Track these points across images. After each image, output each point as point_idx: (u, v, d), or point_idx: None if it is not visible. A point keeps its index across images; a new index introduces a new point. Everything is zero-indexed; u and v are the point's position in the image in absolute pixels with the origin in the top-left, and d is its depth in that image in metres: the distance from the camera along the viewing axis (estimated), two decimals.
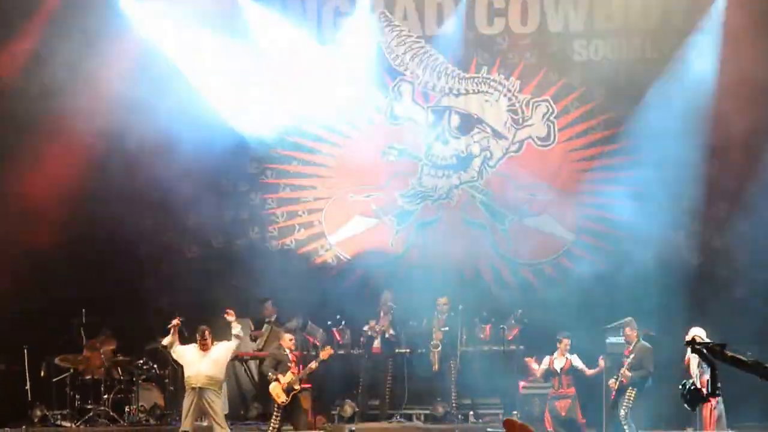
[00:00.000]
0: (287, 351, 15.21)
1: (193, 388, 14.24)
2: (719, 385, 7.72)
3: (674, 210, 17.12)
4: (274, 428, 15.01)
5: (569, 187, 17.74)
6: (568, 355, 15.35)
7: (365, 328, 16.45)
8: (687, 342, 7.64)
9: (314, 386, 16.05)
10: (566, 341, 15.29)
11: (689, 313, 15.31)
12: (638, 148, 17.32)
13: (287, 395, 14.93)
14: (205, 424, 14.96)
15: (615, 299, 16.63)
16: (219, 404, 14.38)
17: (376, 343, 16.40)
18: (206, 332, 14.42)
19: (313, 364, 15.09)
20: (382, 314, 16.50)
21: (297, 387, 14.97)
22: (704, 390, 7.79)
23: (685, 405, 7.69)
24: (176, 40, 17.33)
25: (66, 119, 16.71)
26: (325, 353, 15.23)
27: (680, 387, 7.76)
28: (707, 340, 7.98)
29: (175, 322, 14.34)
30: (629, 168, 17.41)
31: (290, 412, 15.05)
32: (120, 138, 16.94)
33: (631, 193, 17.30)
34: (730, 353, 7.75)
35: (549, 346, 15.80)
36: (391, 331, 16.38)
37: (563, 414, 15.27)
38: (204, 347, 14.35)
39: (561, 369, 15.31)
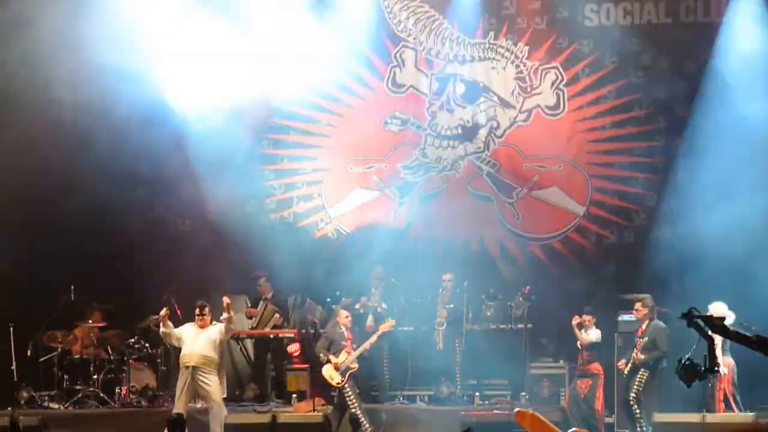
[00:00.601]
0: (343, 329, 14.84)
1: (187, 367, 13.93)
2: (718, 361, 7.59)
3: (689, 181, 16.58)
4: (354, 405, 14.64)
5: (580, 158, 17.34)
6: (591, 330, 14.95)
7: (356, 305, 16.09)
8: (682, 314, 7.35)
9: (312, 367, 15.67)
10: (588, 317, 14.89)
11: (708, 289, 14.79)
12: (652, 117, 16.92)
13: (343, 376, 14.61)
14: (199, 405, 14.53)
15: (627, 275, 16.31)
16: (215, 385, 13.97)
17: (369, 321, 16.06)
18: (204, 308, 14.10)
19: (373, 338, 14.81)
20: (373, 290, 16.18)
21: (354, 366, 14.67)
22: (701, 366, 7.51)
23: (680, 381, 7.49)
24: (166, 8, 16.69)
25: (50, 89, 16.17)
26: (386, 325, 14.93)
27: (677, 362, 7.57)
28: (712, 314, 7.55)
29: (162, 313, 14.12)
30: (643, 138, 17.04)
31: (351, 392, 14.70)
32: (108, 108, 16.43)
33: (644, 164, 16.93)
34: (732, 328, 7.46)
35: (558, 324, 15.47)
36: (384, 306, 16.02)
37: (581, 396, 14.85)
38: (202, 324, 14.03)
39: (581, 345, 14.93)
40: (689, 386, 7.58)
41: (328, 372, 14.71)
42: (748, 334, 7.61)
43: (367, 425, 14.59)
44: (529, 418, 11.89)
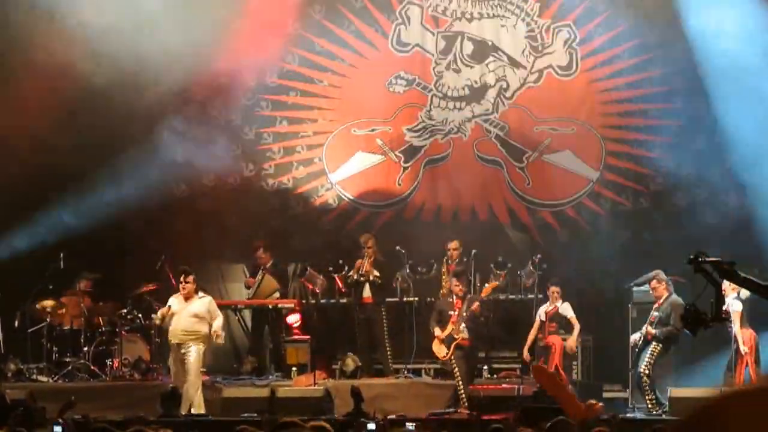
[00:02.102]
0: (453, 298, 14.40)
1: (174, 344, 13.93)
2: (725, 308, 7.16)
3: (709, 145, 16.02)
4: (457, 381, 14.17)
5: (593, 120, 16.86)
6: (558, 303, 14.80)
7: (350, 272, 15.65)
8: (689, 259, 7.11)
9: (313, 338, 15.39)
10: (554, 288, 14.76)
11: (727, 258, 14.16)
12: (669, 77, 16.34)
13: (448, 348, 14.13)
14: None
15: (643, 243, 15.95)
16: (195, 357, 13.79)
17: (366, 292, 15.62)
18: (189, 275, 13.86)
19: (475, 305, 14.32)
20: (365, 258, 15.67)
21: (457, 336, 14.13)
22: (707, 314, 7.21)
23: (686, 330, 7.26)
24: None
25: (29, 53, 15.73)
26: (487, 290, 14.51)
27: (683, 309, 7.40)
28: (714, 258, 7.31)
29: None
30: (660, 99, 16.50)
31: (458, 365, 14.12)
32: (96, 69, 15.91)
33: (661, 127, 16.40)
34: (742, 274, 7.27)
35: (569, 294, 15.06)
36: (376, 273, 15.55)
37: None
38: (186, 294, 13.85)
39: (546, 314, 14.76)
40: (694, 335, 7.27)
41: (435, 346, 14.28)
42: (757, 280, 7.25)
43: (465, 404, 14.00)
44: (547, 375, 11.31)
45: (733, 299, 13.54)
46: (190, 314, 13.74)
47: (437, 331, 14.24)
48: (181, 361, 13.83)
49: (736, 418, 1.93)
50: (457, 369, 14.19)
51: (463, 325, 14.18)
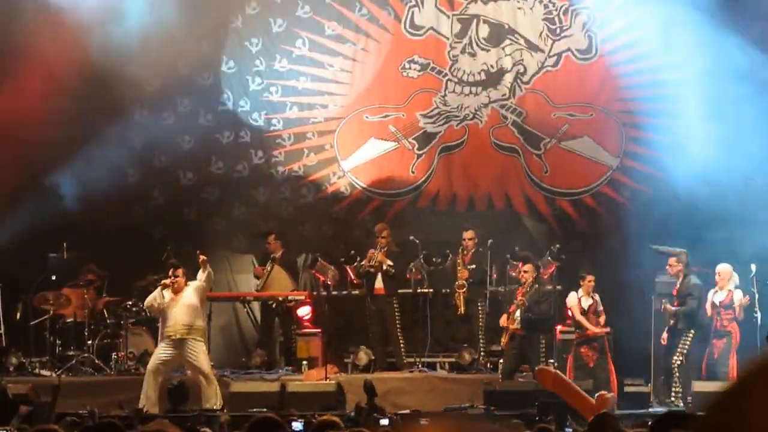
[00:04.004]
0: (516, 286, 14.42)
1: (172, 339, 13.40)
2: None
3: (732, 130, 15.64)
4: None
5: (613, 105, 16.55)
6: (594, 294, 14.50)
7: (363, 262, 15.32)
8: None
9: (325, 331, 15.11)
10: (590, 277, 14.45)
11: (752, 247, 14.13)
12: (692, 61, 15.93)
13: (506, 337, 14.19)
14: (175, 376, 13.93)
15: (664, 232, 15.45)
16: (202, 354, 13.47)
17: (378, 283, 15.31)
18: (173, 269, 13.42)
19: (521, 298, 14.15)
20: (378, 248, 15.32)
21: (511, 326, 14.12)
22: None
23: None
24: None
25: (27, 38, 15.58)
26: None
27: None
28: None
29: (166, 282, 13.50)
30: (682, 84, 16.09)
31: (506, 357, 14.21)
32: (98, 54, 15.64)
33: (685, 112, 15.99)
34: None
35: None
36: (389, 263, 15.22)
37: (591, 365, 14.32)
38: (176, 289, 13.38)
39: (589, 308, 14.43)
40: None
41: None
42: None
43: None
44: (552, 377, 11.01)
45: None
46: (186, 306, 13.33)
47: (502, 320, 14.25)
48: (177, 361, 13.49)
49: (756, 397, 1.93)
50: (502, 360, 14.22)
51: (518, 313, 14.04)
